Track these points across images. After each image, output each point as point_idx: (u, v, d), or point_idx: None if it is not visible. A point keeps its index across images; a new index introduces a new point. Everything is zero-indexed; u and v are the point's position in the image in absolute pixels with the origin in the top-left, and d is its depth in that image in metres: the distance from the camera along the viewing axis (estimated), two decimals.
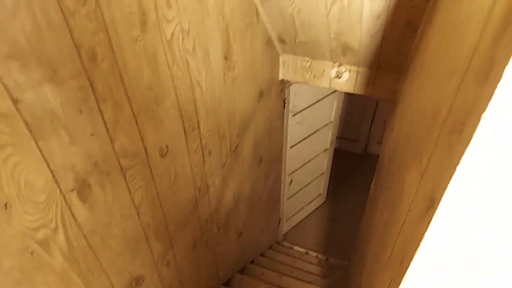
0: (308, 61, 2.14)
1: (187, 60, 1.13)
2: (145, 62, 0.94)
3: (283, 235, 3.75)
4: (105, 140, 0.86)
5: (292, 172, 3.29)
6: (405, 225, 0.74)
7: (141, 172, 1.03)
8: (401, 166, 1.06)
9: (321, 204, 4.15)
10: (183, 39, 1.08)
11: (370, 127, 4.58)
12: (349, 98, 4.38)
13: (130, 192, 1.00)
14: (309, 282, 2.49)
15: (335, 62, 2.08)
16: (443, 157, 0.57)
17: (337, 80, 2.13)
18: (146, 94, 0.97)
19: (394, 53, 1.78)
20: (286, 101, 2.59)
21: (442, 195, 0.54)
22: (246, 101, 1.75)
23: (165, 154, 1.13)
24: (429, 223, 0.57)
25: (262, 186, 2.47)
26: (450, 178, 0.52)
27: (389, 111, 2.16)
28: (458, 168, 0.50)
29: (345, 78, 2.10)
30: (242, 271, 2.44)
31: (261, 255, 2.94)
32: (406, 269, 0.65)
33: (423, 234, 0.59)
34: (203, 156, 1.40)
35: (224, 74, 1.44)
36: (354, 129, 4.68)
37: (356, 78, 2.08)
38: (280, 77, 2.27)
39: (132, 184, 1.00)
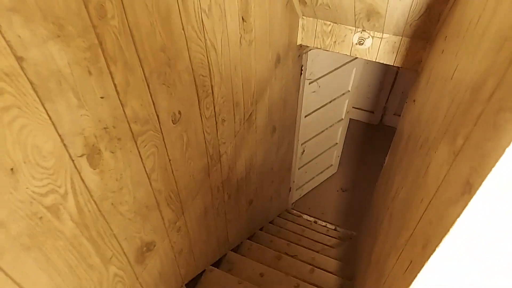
0: (329, 25, 2.02)
1: (202, 20, 1.06)
2: (158, 21, 0.87)
3: (292, 203, 3.77)
4: (115, 104, 0.82)
5: (305, 142, 3.24)
6: (431, 208, 0.70)
7: (153, 138, 0.99)
8: (426, 143, 1.00)
9: (333, 175, 4.12)
10: None
11: (388, 98, 4.45)
12: (367, 67, 4.22)
13: (141, 158, 0.97)
14: (317, 251, 2.51)
15: (358, 28, 1.96)
16: (486, 138, 0.51)
17: (359, 47, 2.01)
18: (158, 56, 0.91)
19: (423, 18, 1.65)
20: (303, 68, 2.49)
21: (482, 181, 0.48)
22: (263, 66, 1.67)
23: (178, 121, 1.09)
24: (463, 209, 0.52)
25: (274, 155, 2.44)
26: (494, 162, 0.46)
27: (412, 82, 2.06)
28: (507, 151, 0.44)
29: (368, 45, 1.99)
30: (251, 238, 2.46)
31: (271, 222, 2.96)
32: (431, 253, 0.61)
33: (454, 220, 0.55)
34: (216, 123, 1.36)
35: (241, 37, 1.36)
36: (370, 99, 4.55)
37: (379, 46, 1.97)
38: (299, 42, 2.17)
39: (144, 150, 0.96)
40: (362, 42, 1.97)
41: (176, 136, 1.11)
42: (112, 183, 0.89)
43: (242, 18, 1.32)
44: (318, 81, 2.82)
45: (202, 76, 1.16)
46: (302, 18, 2.07)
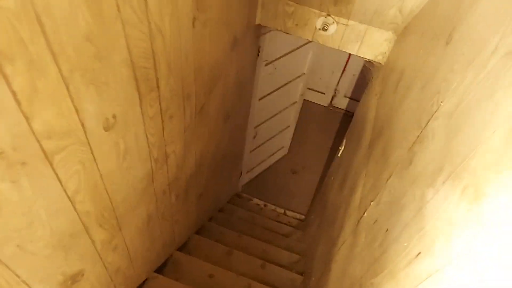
0: (292, 6, 1.83)
1: None
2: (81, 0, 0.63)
3: (242, 186, 3.65)
4: (15, 119, 0.58)
5: (258, 125, 3.08)
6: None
7: (76, 153, 0.76)
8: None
9: (283, 156, 4.05)
10: None
11: (339, 80, 4.41)
12: (322, 47, 4.11)
13: (60, 181, 0.73)
14: (269, 242, 2.43)
15: (323, 12, 1.79)
16: None
17: (322, 32, 1.85)
18: (83, 48, 0.67)
19: (393, 6, 1.53)
20: (260, 49, 2.29)
21: None
22: (218, 51, 1.45)
23: (112, 127, 0.86)
24: None
25: (227, 143, 2.26)
26: None
27: (375, 73, 1.96)
28: None
29: (332, 31, 1.83)
30: (199, 231, 2.30)
31: (220, 210, 2.82)
32: None
33: None
34: (162, 122, 1.14)
35: (194, 18, 1.13)
36: (322, 80, 4.48)
37: (343, 33, 1.82)
38: (257, 22, 1.95)
39: (64, 171, 0.73)
40: (326, 28, 1.81)
41: (110, 145, 0.88)
42: (16, 220, 0.66)
43: None
44: (274, 63, 2.64)
45: (145, 68, 0.92)
46: None
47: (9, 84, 0.54)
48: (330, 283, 1.30)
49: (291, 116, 3.54)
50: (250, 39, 1.95)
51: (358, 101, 4.51)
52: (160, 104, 1.08)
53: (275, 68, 2.71)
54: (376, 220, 0.94)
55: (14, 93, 0.56)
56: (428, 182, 0.67)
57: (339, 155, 2.39)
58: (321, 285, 1.46)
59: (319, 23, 1.83)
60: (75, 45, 0.65)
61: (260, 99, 2.80)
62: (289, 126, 3.64)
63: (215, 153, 2.04)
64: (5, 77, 0.53)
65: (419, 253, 0.62)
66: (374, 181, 1.12)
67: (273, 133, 3.46)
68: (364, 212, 1.09)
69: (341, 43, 1.86)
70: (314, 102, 4.71)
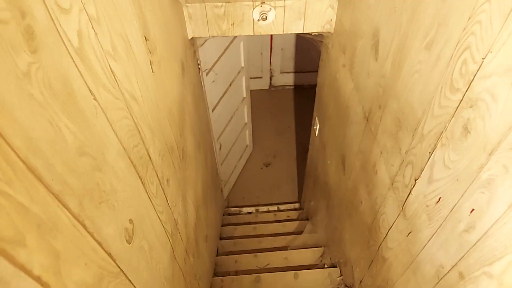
0: (221, 6, 1.67)
1: (111, 69, 0.63)
2: (58, 110, 0.44)
3: (225, 200, 3.48)
4: None
5: (220, 136, 2.92)
6: None
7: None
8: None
9: (251, 154, 3.93)
10: (96, 34, 0.57)
11: (270, 59, 4.35)
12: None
13: None
14: (285, 248, 2.32)
15: (256, 1, 1.66)
16: None
17: (262, 23, 1.73)
18: (80, 165, 0.49)
19: None
20: (199, 62, 2.11)
21: None
22: (175, 84, 1.27)
23: (133, 233, 0.68)
24: None
25: (206, 171, 2.08)
26: None
27: (325, 42, 1.89)
28: None
29: (272, 18, 1.71)
30: (215, 272, 2.13)
31: (221, 238, 2.65)
32: None
33: None
34: (163, 191, 0.96)
35: (151, 63, 0.94)
36: (255, 65, 4.39)
37: (284, 15, 1.72)
38: (190, 36, 1.77)
39: None
40: (265, 17, 1.69)
41: (138, 255, 0.70)
42: None
43: (145, 38, 0.90)
44: (213, 69, 2.48)
45: (135, 146, 0.74)
46: (186, 6, 1.66)
47: (29, 273, 0.36)
48: (393, 272, 1.24)
49: (245, 113, 3.41)
50: (190, 57, 1.78)
51: (299, 72, 4.51)
52: (157, 175, 0.90)
53: (216, 74, 2.55)
54: (440, 198, 0.87)
55: (38, 279, 0.37)
56: None
57: (316, 134, 2.33)
58: (378, 274, 1.40)
59: (256, 14, 1.70)
60: (73, 168, 0.47)
61: (213, 110, 2.64)
62: (246, 123, 3.52)
63: (203, 187, 1.86)
64: (23, 267, 0.35)
65: None
66: (404, 157, 1.05)
67: (235, 136, 3.31)
68: (410, 192, 1.03)
69: (284, 27, 1.76)
70: (255, 89, 4.61)
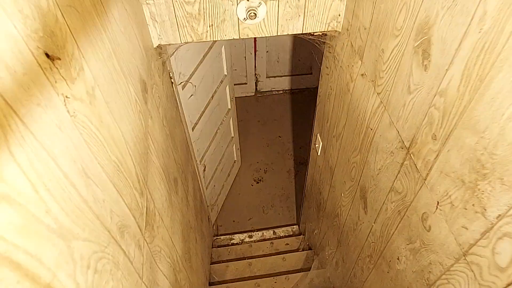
0: (194, 2, 1.26)
1: None
2: None
3: (213, 225, 3.06)
4: None
5: (203, 156, 2.49)
6: None
7: None
8: None
9: (239, 170, 3.52)
10: None
11: (255, 63, 3.94)
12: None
13: None
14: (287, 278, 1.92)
15: None
16: None
17: (249, 22, 1.32)
18: None
19: None
20: (171, 74, 1.69)
21: None
22: (128, 120, 0.85)
23: None
24: None
25: (187, 212, 1.66)
26: None
27: (330, 43, 1.50)
28: None
29: (262, 15, 1.31)
30: None
31: (211, 283, 2.22)
32: None
33: None
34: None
35: (65, 101, 0.52)
36: (238, 70, 3.98)
37: (278, 12, 1.31)
38: (155, 43, 1.35)
39: None
40: (253, 14, 1.28)
41: None
42: None
43: (48, 55, 0.48)
44: (191, 80, 2.05)
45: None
46: (147, 3, 1.24)
47: None
48: None
49: (231, 126, 3.00)
50: (158, 71, 1.35)
51: (287, 76, 4.11)
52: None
53: (194, 86, 2.13)
54: None
55: None
56: None
57: (318, 153, 1.94)
58: None
59: (241, 11, 1.29)
60: None
61: (193, 129, 2.21)
62: (232, 137, 3.10)
63: (184, 240, 1.44)
64: None
65: None
66: (494, 223, 0.67)
67: (220, 153, 2.89)
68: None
69: (279, 27, 1.35)
70: (240, 97, 4.20)
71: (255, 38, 3.72)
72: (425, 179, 0.90)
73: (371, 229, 1.32)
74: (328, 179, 1.81)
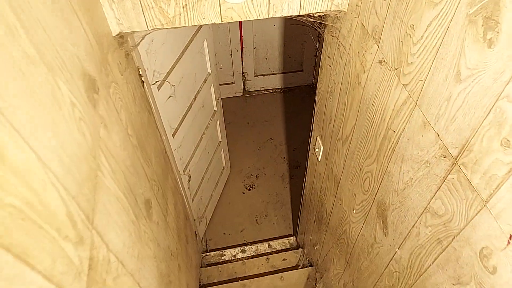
0: None
1: None
2: None
3: (202, 239, 2.77)
4: None
5: (187, 165, 2.21)
6: None
7: None
8: None
9: (229, 177, 3.24)
10: None
11: (242, 61, 3.67)
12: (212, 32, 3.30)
13: None
14: None
15: None
16: None
17: (233, 1, 1.05)
18: None
19: None
20: (140, 70, 1.40)
21: None
22: (49, 133, 0.57)
23: None
24: None
25: (165, 232, 1.37)
26: None
27: (334, 27, 1.23)
28: None
29: None
30: None
31: None
32: None
33: None
34: None
35: None
36: (224, 69, 3.70)
37: None
38: (115, 31, 1.06)
39: None
40: None
41: None
42: None
43: None
44: (168, 79, 1.77)
45: None
46: None
47: None
48: None
49: (218, 130, 2.72)
50: (117, 65, 1.06)
51: (277, 74, 3.84)
52: None
53: (173, 86, 1.85)
54: None
55: None
56: None
57: (319, 159, 1.67)
58: None
59: None
60: None
61: (174, 135, 1.93)
62: (220, 141, 2.82)
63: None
64: None
65: None
66: None
67: (207, 160, 2.61)
68: None
69: (271, 7, 1.08)
70: (227, 97, 3.92)
71: (241, 34, 3.45)
72: (486, 202, 0.64)
73: (393, 256, 1.06)
74: (333, 189, 1.55)
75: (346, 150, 1.29)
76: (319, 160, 1.68)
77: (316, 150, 1.69)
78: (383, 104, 0.96)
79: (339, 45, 1.18)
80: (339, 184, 1.45)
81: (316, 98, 1.58)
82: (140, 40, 1.21)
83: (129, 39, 1.13)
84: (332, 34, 1.21)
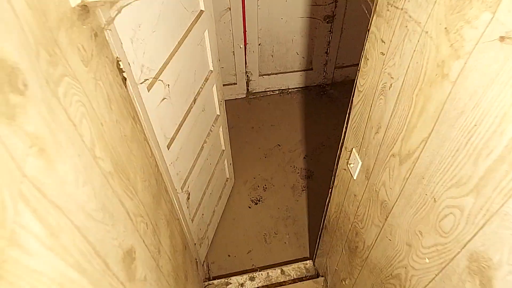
0: None
1: None
2: None
3: (203, 263, 2.40)
4: None
5: (185, 181, 1.84)
6: None
7: None
8: None
9: (233, 189, 2.87)
10: None
11: (245, 58, 3.31)
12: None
13: None
14: None
15: None
16: None
17: None
18: None
19: None
20: (121, 63, 1.03)
21: None
22: None
23: None
24: None
25: (159, 279, 1.01)
26: None
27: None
28: None
29: None
30: None
31: None
32: None
33: None
34: None
35: None
36: (226, 68, 3.34)
37: None
38: (75, 1, 0.70)
39: None
40: None
41: None
42: None
43: None
44: (161, 77, 1.41)
45: None
46: None
47: None
48: None
49: (221, 137, 2.35)
50: (77, 51, 0.70)
51: (283, 73, 3.48)
52: None
53: (167, 86, 1.48)
54: None
55: None
56: None
57: (354, 176, 1.31)
58: None
59: None
60: None
61: (168, 146, 1.56)
62: (223, 150, 2.46)
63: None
64: None
65: None
66: None
67: (209, 172, 2.24)
68: None
69: None
70: (229, 99, 3.56)
71: (244, 28, 3.09)
72: None
73: None
74: (377, 218, 1.18)
75: (408, 171, 0.93)
76: (355, 178, 1.31)
77: (351, 165, 1.32)
78: (500, 107, 0.60)
79: (406, 20, 0.82)
80: (389, 214, 1.08)
81: (353, 99, 1.22)
82: (115, 13, 0.83)
83: (97, 12, 0.76)
84: (395, 5, 0.84)
